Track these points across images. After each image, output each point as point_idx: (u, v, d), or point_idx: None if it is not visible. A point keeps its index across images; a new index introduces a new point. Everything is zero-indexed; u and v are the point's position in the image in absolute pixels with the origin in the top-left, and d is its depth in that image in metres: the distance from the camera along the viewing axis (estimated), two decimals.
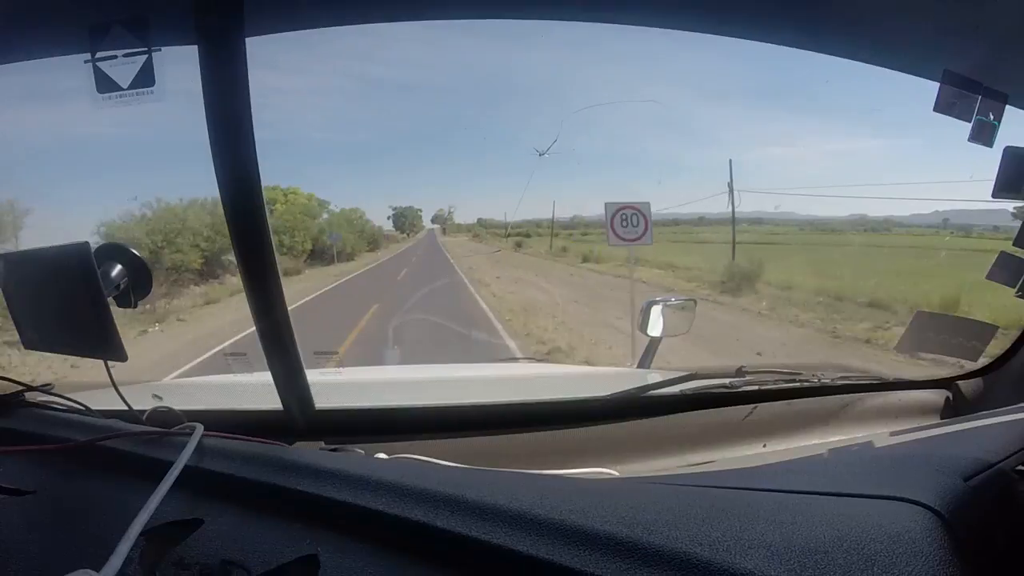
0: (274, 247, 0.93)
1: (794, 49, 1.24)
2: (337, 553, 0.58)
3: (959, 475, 0.65)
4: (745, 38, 1.22)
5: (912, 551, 0.52)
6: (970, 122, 1.21)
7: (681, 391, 1.22)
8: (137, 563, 0.54)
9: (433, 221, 25.73)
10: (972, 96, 1.19)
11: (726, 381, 1.24)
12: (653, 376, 1.37)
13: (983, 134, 1.21)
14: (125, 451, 0.80)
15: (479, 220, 25.24)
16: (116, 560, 0.52)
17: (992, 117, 1.20)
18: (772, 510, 0.60)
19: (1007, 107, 1.21)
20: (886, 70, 1.25)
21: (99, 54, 0.97)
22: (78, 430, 0.86)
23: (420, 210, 25.13)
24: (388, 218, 23.76)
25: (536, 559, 0.53)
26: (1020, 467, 0.67)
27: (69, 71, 1.02)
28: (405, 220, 24.51)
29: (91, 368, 0.95)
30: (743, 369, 1.29)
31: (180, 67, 0.94)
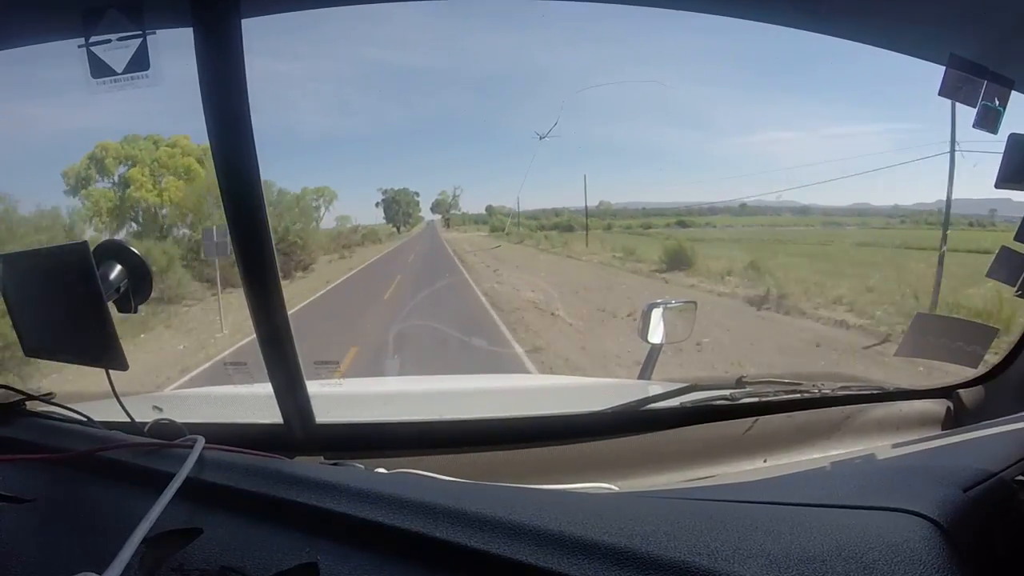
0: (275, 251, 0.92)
1: (799, 32, 1.22)
2: (337, 561, 0.58)
3: (958, 486, 0.65)
4: (748, 18, 1.21)
5: (911, 560, 0.52)
6: (975, 107, 1.18)
7: (681, 404, 1.21)
8: (137, 569, 0.54)
9: (434, 210, 20.16)
10: (978, 81, 1.17)
11: (726, 393, 1.24)
12: (653, 388, 1.37)
13: (988, 120, 1.18)
14: (126, 462, 0.80)
15: (488, 208, 19.93)
16: (118, 566, 0.52)
17: (997, 103, 1.18)
18: (771, 521, 0.60)
19: (1013, 93, 1.18)
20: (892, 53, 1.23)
21: (93, 38, 0.95)
22: (79, 440, 0.86)
23: (417, 194, 19.28)
24: (377, 204, 18.73)
25: (535, 568, 0.53)
26: (1020, 477, 0.67)
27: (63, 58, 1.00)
28: (398, 208, 18.96)
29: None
30: (743, 380, 1.29)
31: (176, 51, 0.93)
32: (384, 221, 19.06)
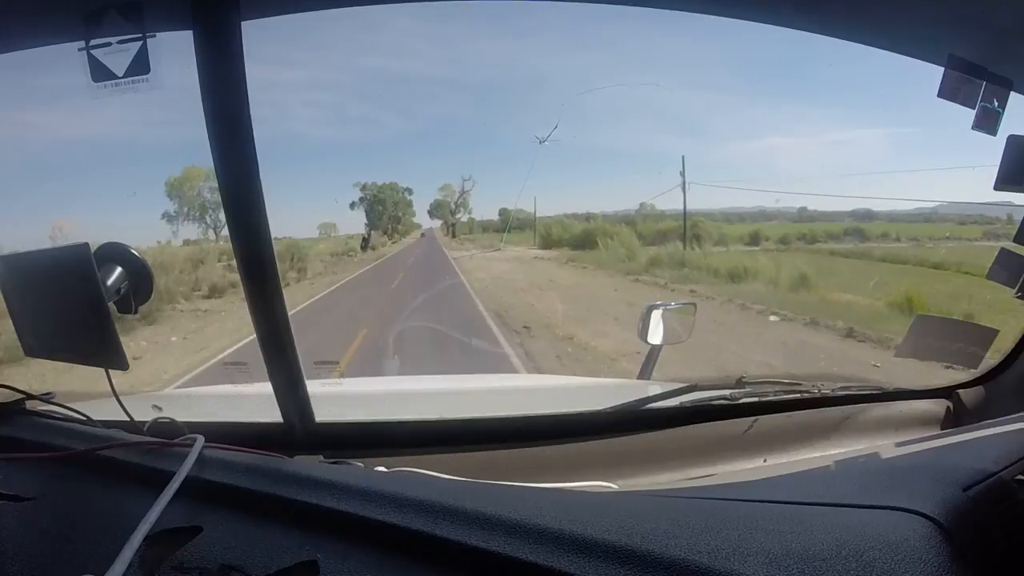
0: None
1: (796, 34, 1.21)
2: (337, 559, 0.58)
3: (958, 485, 0.65)
4: (745, 19, 1.20)
5: (911, 559, 0.52)
6: (974, 109, 1.18)
7: (681, 403, 1.22)
8: (137, 568, 0.55)
9: (432, 214, 14.87)
10: (976, 82, 1.17)
11: (726, 393, 1.24)
12: (653, 388, 1.37)
13: (987, 121, 1.18)
14: (126, 461, 0.80)
15: (501, 212, 14.53)
16: (119, 567, 0.52)
17: (996, 104, 1.18)
18: (771, 520, 0.60)
19: (1012, 94, 1.18)
20: (891, 57, 1.22)
21: (93, 41, 0.95)
22: (79, 439, 0.86)
23: (409, 191, 13.96)
24: (352, 206, 13.14)
25: (534, 566, 0.53)
26: (1020, 476, 0.67)
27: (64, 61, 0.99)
28: (382, 210, 13.31)
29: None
30: (743, 380, 1.29)
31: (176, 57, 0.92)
32: (365, 228, 13.63)
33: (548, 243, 12.30)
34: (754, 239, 11.85)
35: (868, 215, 12.75)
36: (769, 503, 0.67)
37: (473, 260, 10.83)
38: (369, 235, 12.36)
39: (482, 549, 0.56)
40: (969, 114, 1.19)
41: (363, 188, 12.77)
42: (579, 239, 12.16)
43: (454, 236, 14.13)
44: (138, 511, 0.61)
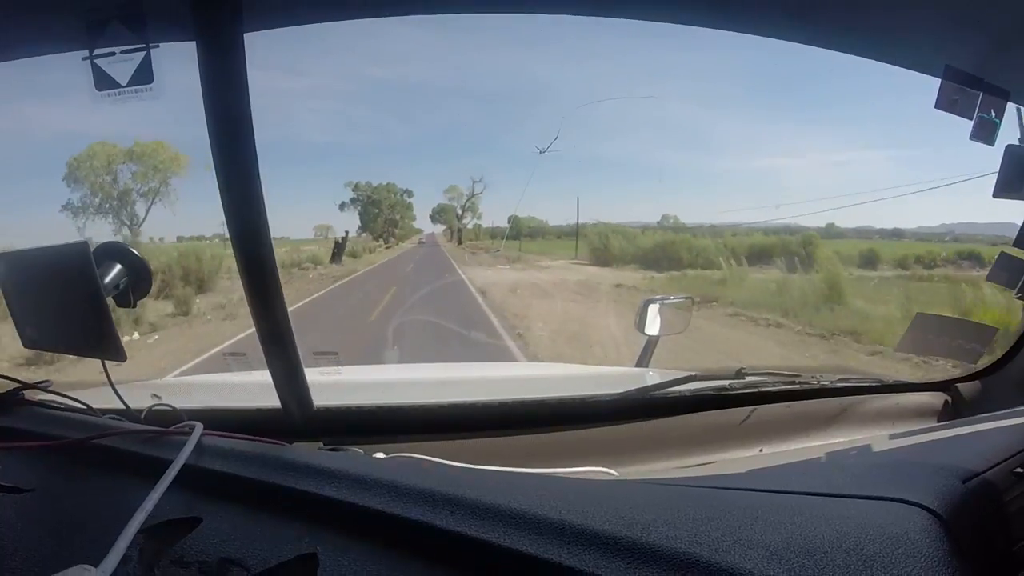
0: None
1: (796, 51, 1.21)
2: (336, 551, 0.58)
3: (957, 477, 0.66)
4: (743, 31, 1.19)
5: (911, 551, 0.52)
6: (971, 120, 1.18)
7: (681, 392, 1.22)
8: (136, 561, 0.54)
9: (435, 219, 13.37)
10: (973, 93, 1.17)
11: (726, 383, 1.24)
12: (653, 377, 1.37)
13: (984, 132, 1.19)
14: (123, 449, 0.80)
15: (511, 219, 13.27)
16: (114, 557, 0.52)
17: (993, 114, 1.18)
18: (771, 510, 0.60)
19: (1009, 104, 1.18)
20: (889, 74, 1.22)
21: (97, 51, 0.96)
22: (76, 428, 0.86)
23: (407, 193, 12.73)
24: (342, 207, 11.98)
25: (534, 558, 0.53)
26: (1018, 469, 0.68)
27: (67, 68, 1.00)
28: (377, 213, 11.98)
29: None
30: (743, 371, 1.29)
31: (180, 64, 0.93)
32: (359, 232, 12.02)
33: (605, 258, 9.55)
34: (867, 261, 9.40)
35: (897, 233, 11.99)
36: (769, 492, 0.68)
37: (519, 294, 6.65)
38: (344, 240, 10.28)
39: (482, 540, 0.56)
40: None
41: (355, 188, 11.22)
42: (650, 254, 9.14)
43: (460, 243, 12.38)
44: (136, 500, 0.61)
